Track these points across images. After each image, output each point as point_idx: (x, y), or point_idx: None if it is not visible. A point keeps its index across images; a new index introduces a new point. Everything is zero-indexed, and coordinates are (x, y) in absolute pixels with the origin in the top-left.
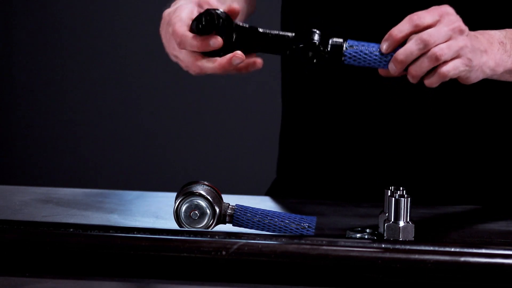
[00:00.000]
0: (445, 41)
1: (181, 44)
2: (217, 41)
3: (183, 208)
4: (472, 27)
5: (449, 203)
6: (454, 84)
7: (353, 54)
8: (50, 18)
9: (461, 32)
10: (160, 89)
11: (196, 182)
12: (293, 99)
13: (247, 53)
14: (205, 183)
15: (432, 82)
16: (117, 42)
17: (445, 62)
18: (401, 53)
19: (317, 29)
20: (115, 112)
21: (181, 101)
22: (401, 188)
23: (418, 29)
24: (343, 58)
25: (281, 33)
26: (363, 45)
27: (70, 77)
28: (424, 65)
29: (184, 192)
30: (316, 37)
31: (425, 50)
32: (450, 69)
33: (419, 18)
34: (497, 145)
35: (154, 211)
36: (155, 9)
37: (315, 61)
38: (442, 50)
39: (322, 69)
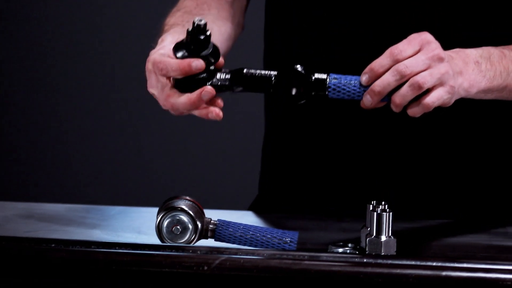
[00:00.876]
0: (425, 69)
1: (163, 70)
2: (199, 63)
3: (165, 223)
4: (464, 36)
5: (431, 217)
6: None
7: (337, 87)
8: (32, 33)
9: (440, 59)
10: (142, 104)
11: (178, 197)
12: (276, 115)
13: (231, 91)
14: (187, 198)
15: (415, 112)
16: (96, 59)
17: (429, 92)
18: (378, 84)
19: (320, 24)
20: (97, 128)
21: (163, 116)
22: (383, 202)
23: (399, 61)
24: (326, 92)
25: (263, 72)
26: (345, 79)
27: (50, 92)
28: (407, 94)
29: (166, 207)
30: (298, 74)
31: (402, 80)
32: (434, 99)
33: (400, 52)
34: (482, 159)
35: (136, 226)
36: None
37: (299, 100)
38: (424, 78)
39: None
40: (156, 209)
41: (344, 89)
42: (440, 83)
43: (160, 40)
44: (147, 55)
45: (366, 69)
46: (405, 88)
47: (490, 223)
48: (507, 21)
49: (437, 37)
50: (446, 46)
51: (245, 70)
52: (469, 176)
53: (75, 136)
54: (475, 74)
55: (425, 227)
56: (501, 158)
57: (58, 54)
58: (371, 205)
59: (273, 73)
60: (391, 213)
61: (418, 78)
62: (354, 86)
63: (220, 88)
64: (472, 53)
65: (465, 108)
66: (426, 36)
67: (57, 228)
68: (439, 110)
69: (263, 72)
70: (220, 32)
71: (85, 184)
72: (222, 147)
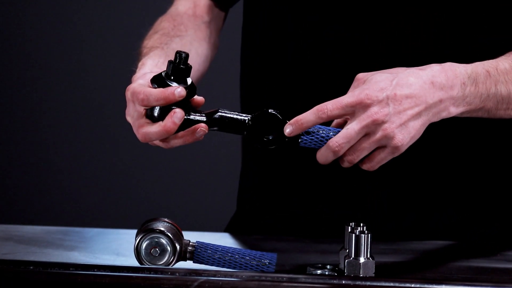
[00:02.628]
0: (360, 139)
1: (144, 100)
2: (182, 90)
3: (144, 245)
4: (459, 41)
5: (409, 239)
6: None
7: (309, 139)
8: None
9: (377, 125)
10: (120, 126)
11: (157, 219)
12: None
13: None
14: (166, 220)
15: (365, 169)
16: (79, 85)
17: (371, 156)
18: (319, 157)
19: (316, 29)
20: (75, 149)
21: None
22: (361, 224)
23: (324, 121)
24: (299, 140)
25: (238, 117)
26: (319, 128)
27: (27, 113)
28: (344, 165)
29: (145, 229)
30: (272, 120)
31: (337, 157)
32: (375, 164)
33: (326, 112)
34: (473, 161)
35: (115, 248)
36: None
37: (271, 145)
38: (353, 155)
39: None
40: (134, 231)
41: (314, 140)
42: (381, 146)
43: (140, 64)
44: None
45: (292, 120)
46: (341, 161)
47: (469, 244)
48: (502, 26)
49: (432, 43)
50: (441, 51)
51: (219, 113)
52: (461, 178)
53: (52, 159)
54: (457, 97)
55: (404, 249)
56: (493, 162)
57: (41, 73)
58: (349, 227)
59: (248, 117)
60: (369, 234)
61: (348, 157)
62: (323, 137)
63: (195, 124)
64: (462, 73)
65: (455, 126)
66: (365, 94)
67: (35, 250)
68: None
69: (237, 116)
70: (197, 54)
71: (63, 206)
72: (200, 169)
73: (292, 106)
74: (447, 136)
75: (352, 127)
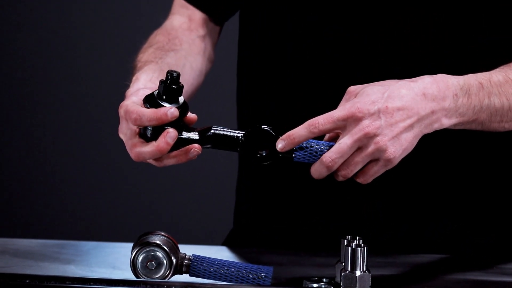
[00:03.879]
0: (353, 153)
1: (137, 120)
2: (175, 111)
3: (140, 258)
4: (459, 42)
5: (405, 252)
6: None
7: (302, 154)
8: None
9: (369, 138)
10: (116, 138)
11: (153, 232)
12: None
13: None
14: (162, 233)
15: (359, 182)
16: (74, 96)
17: (364, 169)
18: (313, 172)
19: (315, 29)
20: (71, 163)
21: None
22: (357, 237)
23: (316, 136)
24: (293, 155)
25: (231, 133)
26: (312, 143)
27: (20, 124)
28: (340, 179)
29: (141, 243)
30: (266, 136)
31: (331, 172)
32: (369, 178)
33: (317, 127)
34: (469, 169)
35: (111, 261)
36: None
37: (265, 161)
38: (346, 170)
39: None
40: (130, 244)
41: (308, 155)
42: (374, 159)
43: (134, 78)
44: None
45: (284, 136)
46: (335, 176)
47: (465, 257)
48: (501, 26)
49: (431, 43)
50: (440, 52)
51: (212, 130)
52: (455, 188)
53: (48, 172)
54: (449, 108)
55: (400, 262)
56: (488, 172)
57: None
58: (345, 240)
59: (241, 134)
60: (365, 248)
61: (341, 172)
62: (316, 152)
63: (188, 142)
64: (454, 84)
65: (457, 134)
66: (356, 108)
67: (31, 264)
68: (429, 135)
69: (231, 133)
70: (191, 68)
71: (59, 219)
72: (197, 182)
73: (292, 107)
74: (441, 147)
75: (345, 142)
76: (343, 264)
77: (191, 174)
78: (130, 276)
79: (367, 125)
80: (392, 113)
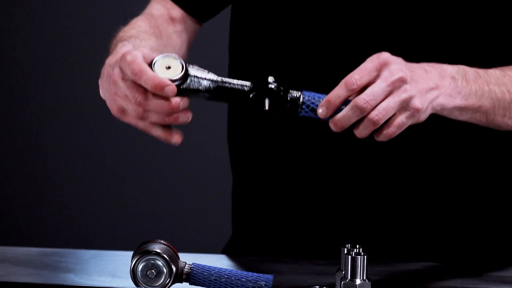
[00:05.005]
0: (385, 98)
1: (137, 74)
2: (173, 89)
3: (140, 267)
4: (446, 47)
5: (407, 260)
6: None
7: (310, 106)
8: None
9: (401, 82)
10: (115, 146)
11: (153, 240)
12: (244, 157)
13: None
14: (162, 241)
15: (381, 139)
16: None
17: (390, 120)
18: (339, 119)
19: (311, 28)
20: (69, 171)
21: (137, 160)
22: (357, 245)
23: (355, 93)
24: (299, 110)
25: (238, 84)
26: (319, 97)
27: (20, 131)
28: (366, 129)
29: (141, 251)
30: (272, 89)
31: (362, 115)
32: (395, 129)
33: (355, 82)
34: (457, 200)
35: (111, 270)
36: None
37: (270, 115)
38: (378, 115)
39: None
40: (130, 253)
41: (315, 109)
42: (402, 108)
43: (120, 45)
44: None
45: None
46: (364, 123)
47: (465, 265)
48: (492, 33)
49: (431, 43)
50: (440, 52)
51: (219, 83)
52: (455, 196)
53: (48, 180)
54: (451, 88)
55: (400, 270)
56: (483, 181)
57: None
58: (345, 248)
59: (248, 84)
60: (365, 256)
61: (373, 115)
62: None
63: (190, 92)
64: (449, 68)
65: (449, 140)
66: (384, 57)
67: (31, 272)
68: (422, 142)
69: (238, 82)
70: None
71: (59, 228)
72: (196, 190)
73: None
74: (436, 157)
75: (378, 85)
76: (343, 272)
77: (191, 183)
78: (130, 284)
79: (399, 69)
80: (417, 71)
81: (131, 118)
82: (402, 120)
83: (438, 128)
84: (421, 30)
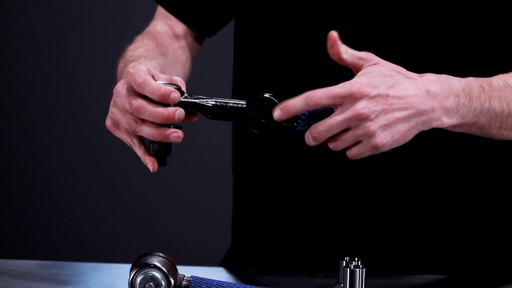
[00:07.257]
0: (343, 130)
1: (141, 85)
2: (178, 96)
3: (138, 279)
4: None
5: (405, 273)
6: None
7: (305, 120)
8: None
9: (361, 119)
10: (114, 159)
11: (151, 253)
12: (244, 167)
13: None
14: (160, 254)
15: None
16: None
17: (348, 149)
18: (305, 138)
19: (313, 29)
20: (67, 183)
21: (135, 173)
22: (356, 258)
23: (311, 109)
24: (295, 124)
25: (234, 104)
26: (316, 112)
27: (17, 140)
28: (331, 147)
29: (139, 264)
30: (268, 104)
31: (318, 143)
32: (354, 154)
33: (314, 100)
34: (459, 205)
35: (109, 282)
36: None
37: (267, 129)
38: (333, 145)
39: (273, 143)
40: (128, 266)
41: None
42: (360, 142)
43: (131, 66)
44: None
45: (281, 105)
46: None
47: (464, 279)
48: (501, 28)
49: (431, 44)
50: (440, 53)
51: (213, 102)
52: (455, 208)
53: (46, 193)
54: (451, 108)
55: (399, 283)
56: (487, 193)
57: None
58: (344, 261)
59: (243, 102)
60: (364, 269)
61: (329, 143)
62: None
63: (193, 106)
64: (456, 85)
65: (449, 143)
66: (355, 88)
67: (29, 285)
68: (417, 155)
69: (234, 102)
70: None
71: (57, 240)
72: (195, 203)
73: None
74: (439, 167)
75: (335, 118)
76: (342, 285)
77: (190, 196)
78: None
79: (362, 107)
80: (391, 101)
81: (122, 133)
82: (359, 151)
83: (438, 131)
84: (422, 31)
